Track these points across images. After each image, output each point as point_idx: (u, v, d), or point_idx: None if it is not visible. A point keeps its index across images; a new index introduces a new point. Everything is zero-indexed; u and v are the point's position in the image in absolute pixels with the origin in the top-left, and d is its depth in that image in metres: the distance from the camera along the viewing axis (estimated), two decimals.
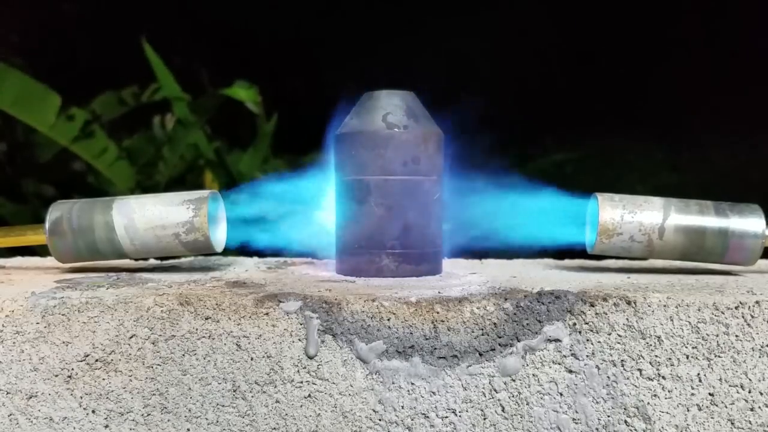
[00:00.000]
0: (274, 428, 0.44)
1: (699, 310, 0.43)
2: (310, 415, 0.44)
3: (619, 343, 0.43)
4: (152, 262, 0.62)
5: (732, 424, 0.43)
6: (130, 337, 0.44)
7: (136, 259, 0.59)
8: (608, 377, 0.43)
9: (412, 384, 0.43)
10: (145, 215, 0.53)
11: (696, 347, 0.43)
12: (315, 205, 0.58)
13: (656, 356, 0.43)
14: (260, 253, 0.64)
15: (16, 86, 1.57)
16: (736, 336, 0.43)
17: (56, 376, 0.45)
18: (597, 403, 0.43)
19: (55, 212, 0.54)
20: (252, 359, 0.44)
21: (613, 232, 0.53)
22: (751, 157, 2.15)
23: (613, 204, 0.53)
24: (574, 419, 0.43)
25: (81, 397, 0.45)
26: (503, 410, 0.43)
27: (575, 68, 2.48)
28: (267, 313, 0.44)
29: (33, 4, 2.34)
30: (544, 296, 0.44)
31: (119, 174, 1.76)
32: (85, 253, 0.54)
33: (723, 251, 0.53)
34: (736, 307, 0.43)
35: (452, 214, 0.56)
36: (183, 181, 1.93)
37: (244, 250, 0.60)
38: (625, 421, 0.43)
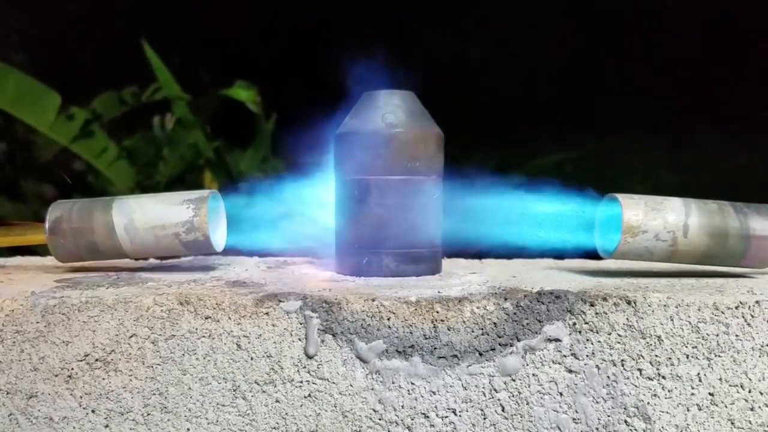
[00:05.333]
0: (274, 428, 0.44)
1: (699, 309, 0.43)
2: (310, 415, 0.44)
3: (619, 342, 0.43)
4: (152, 262, 0.62)
5: (732, 424, 0.43)
6: (130, 337, 0.44)
7: (136, 259, 0.59)
8: (608, 377, 0.43)
9: (412, 384, 0.43)
10: (145, 215, 0.53)
11: (696, 347, 0.43)
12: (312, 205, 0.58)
13: (656, 356, 0.43)
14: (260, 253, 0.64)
15: (15, 85, 1.57)
16: (736, 336, 0.43)
17: (56, 375, 0.45)
18: (597, 402, 0.43)
19: (55, 212, 0.54)
20: (252, 359, 0.44)
21: (638, 230, 0.50)
22: (751, 157, 2.15)
23: (633, 201, 0.51)
24: (574, 419, 0.43)
25: (81, 397, 0.45)
26: (503, 410, 0.43)
27: (575, 68, 2.48)
28: (267, 313, 0.44)
29: (33, 4, 2.34)
30: (544, 296, 0.44)
31: (119, 174, 1.76)
32: (85, 253, 0.54)
33: (744, 251, 0.51)
34: (736, 307, 0.43)
35: (452, 214, 0.56)
36: (183, 180, 1.93)
37: (242, 249, 0.60)
38: (625, 421, 0.43)
